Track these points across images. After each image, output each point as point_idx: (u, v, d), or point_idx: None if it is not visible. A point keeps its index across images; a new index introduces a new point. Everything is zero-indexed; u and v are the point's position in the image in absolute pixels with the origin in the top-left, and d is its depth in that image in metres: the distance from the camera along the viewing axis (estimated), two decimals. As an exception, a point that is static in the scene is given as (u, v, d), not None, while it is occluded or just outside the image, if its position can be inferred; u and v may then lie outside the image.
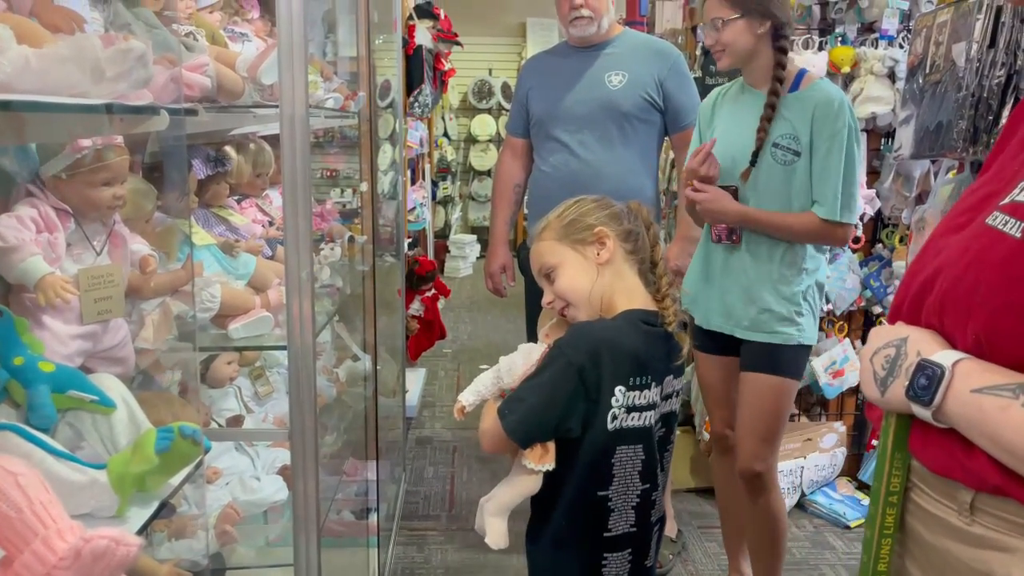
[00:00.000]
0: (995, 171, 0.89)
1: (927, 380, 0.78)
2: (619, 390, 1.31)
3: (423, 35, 3.84)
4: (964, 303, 0.78)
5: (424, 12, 3.94)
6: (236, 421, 1.97)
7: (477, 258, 7.97)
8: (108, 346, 1.26)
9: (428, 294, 4.23)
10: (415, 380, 4.19)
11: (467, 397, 1.39)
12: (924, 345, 0.81)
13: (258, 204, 2.20)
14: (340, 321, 2.61)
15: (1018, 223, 0.76)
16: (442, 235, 7.91)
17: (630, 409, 1.32)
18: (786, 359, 2.07)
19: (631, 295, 1.38)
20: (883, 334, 0.87)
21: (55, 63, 0.77)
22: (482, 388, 1.40)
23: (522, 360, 1.40)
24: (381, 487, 2.70)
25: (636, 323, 1.35)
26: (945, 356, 0.78)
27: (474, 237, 7.98)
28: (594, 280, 1.36)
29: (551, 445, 1.32)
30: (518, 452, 1.35)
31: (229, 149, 2.03)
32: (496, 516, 1.39)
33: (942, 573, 0.84)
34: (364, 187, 2.45)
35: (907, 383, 0.80)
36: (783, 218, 1.98)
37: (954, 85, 1.73)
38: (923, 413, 0.79)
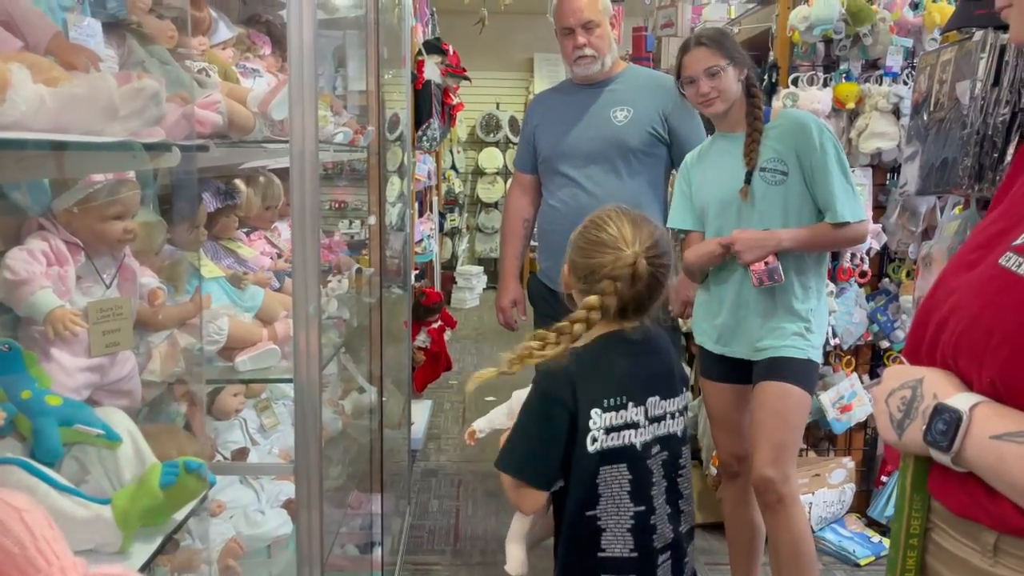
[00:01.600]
0: (1005, 207, 0.89)
1: (945, 425, 0.77)
2: (595, 412, 1.37)
3: (432, 70, 3.88)
4: (979, 346, 0.78)
5: (433, 48, 3.99)
6: (241, 454, 1.97)
7: (484, 289, 7.98)
8: (115, 379, 1.26)
9: (435, 325, 4.23)
10: (421, 412, 4.18)
11: (480, 424, 1.60)
12: (940, 387, 0.80)
13: (267, 236, 2.21)
14: (347, 353, 2.61)
15: None
16: (449, 266, 7.93)
17: (608, 430, 1.38)
18: (796, 370, 2.11)
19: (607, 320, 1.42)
20: (898, 374, 0.86)
21: (70, 102, 0.78)
22: (495, 419, 1.60)
23: None
24: (386, 521, 2.68)
25: (613, 347, 1.42)
26: (962, 400, 0.77)
27: (481, 268, 8.00)
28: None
29: None
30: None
31: (239, 182, 2.05)
32: (512, 543, 1.53)
33: None
34: (372, 220, 2.46)
35: (924, 427, 0.80)
36: (809, 229, 2.09)
37: (959, 122, 1.74)
38: (942, 458, 0.79)
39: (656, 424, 1.44)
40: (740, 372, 2.20)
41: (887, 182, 2.97)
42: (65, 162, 0.95)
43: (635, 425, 1.40)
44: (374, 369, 2.62)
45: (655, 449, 1.43)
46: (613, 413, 1.38)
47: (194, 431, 1.70)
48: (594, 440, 1.37)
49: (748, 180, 2.12)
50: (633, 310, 1.43)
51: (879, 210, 2.98)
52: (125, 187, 1.22)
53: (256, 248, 2.11)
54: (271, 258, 2.12)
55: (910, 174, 2.07)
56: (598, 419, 1.37)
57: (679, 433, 1.49)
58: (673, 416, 1.48)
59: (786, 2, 2.95)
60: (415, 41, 3.78)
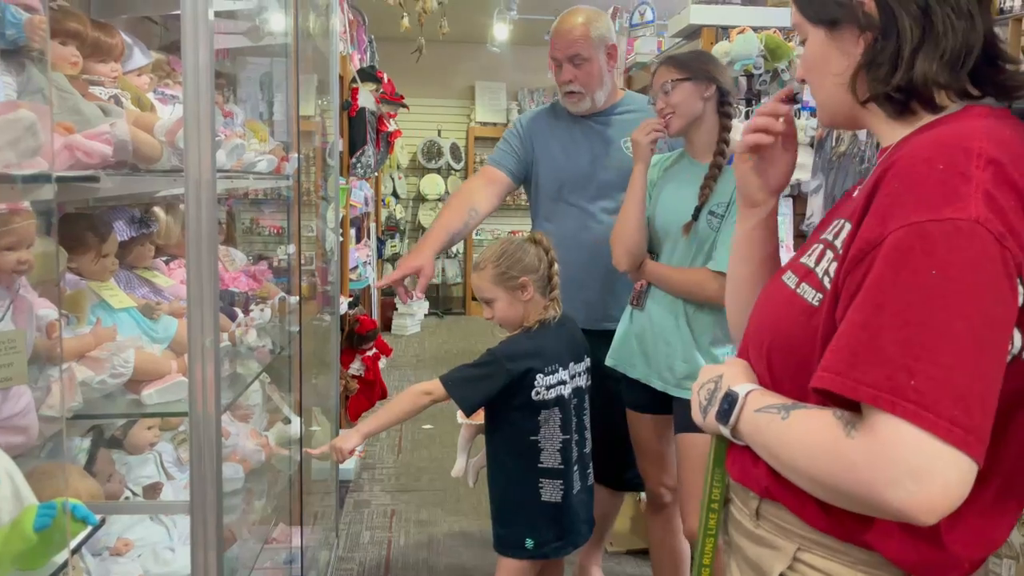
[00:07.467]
0: (809, 240, 1.14)
1: (728, 405, 0.98)
2: (539, 376, 1.96)
3: (366, 98, 3.89)
4: (759, 339, 1.00)
5: (367, 75, 4.00)
6: (154, 489, 1.91)
7: (425, 315, 7.95)
8: (8, 415, 1.22)
9: (369, 353, 4.19)
10: (355, 441, 4.11)
11: (458, 466, 2.41)
12: (732, 379, 1.01)
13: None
14: (272, 383, 2.57)
15: (795, 279, 0.97)
16: (389, 292, 7.88)
17: (548, 387, 1.97)
18: None
19: (538, 309, 2.03)
20: (707, 371, 1.08)
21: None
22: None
23: None
24: (311, 553, 2.62)
25: (549, 329, 2.01)
26: (743, 387, 0.98)
27: (422, 295, 7.97)
28: (520, 311, 2.02)
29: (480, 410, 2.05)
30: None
31: (158, 210, 2.01)
32: (459, 455, 2.31)
33: (740, 567, 1.05)
34: (292, 248, 2.43)
35: (716, 409, 1.00)
36: (680, 272, 2.08)
37: (857, 157, 1.82)
38: (724, 431, 0.99)
39: (574, 379, 2.03)
40: (663, 404, 2.19)
41: (806, 211, 3.07)
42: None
43: (564, 382, 2.00)
44: (298, 398, 2.58)
45: (573, 396, 2.02)
46: (551, 376, 1.98)
47: (96, 467, 1.65)
48: (537, 393, 1.96)
49: (696, 216, 2.05)
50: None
51: (800, 238, 3.07)
52: (19, 217, 1.19)
53: (175, 277, 2.07)
54: (191, 287, 2.08)
55: (815, 206, 2.14)
56: (541, 380, 1.96)
57: (584, 386, 2.08)
58: (581, 374, 2.06)
59: (709, 37, 3.06)
60: (348, 69, 3.78)
